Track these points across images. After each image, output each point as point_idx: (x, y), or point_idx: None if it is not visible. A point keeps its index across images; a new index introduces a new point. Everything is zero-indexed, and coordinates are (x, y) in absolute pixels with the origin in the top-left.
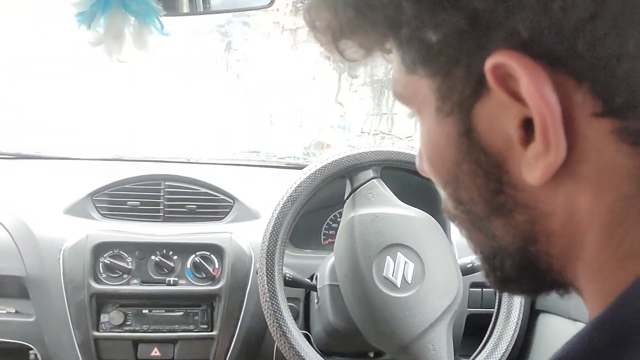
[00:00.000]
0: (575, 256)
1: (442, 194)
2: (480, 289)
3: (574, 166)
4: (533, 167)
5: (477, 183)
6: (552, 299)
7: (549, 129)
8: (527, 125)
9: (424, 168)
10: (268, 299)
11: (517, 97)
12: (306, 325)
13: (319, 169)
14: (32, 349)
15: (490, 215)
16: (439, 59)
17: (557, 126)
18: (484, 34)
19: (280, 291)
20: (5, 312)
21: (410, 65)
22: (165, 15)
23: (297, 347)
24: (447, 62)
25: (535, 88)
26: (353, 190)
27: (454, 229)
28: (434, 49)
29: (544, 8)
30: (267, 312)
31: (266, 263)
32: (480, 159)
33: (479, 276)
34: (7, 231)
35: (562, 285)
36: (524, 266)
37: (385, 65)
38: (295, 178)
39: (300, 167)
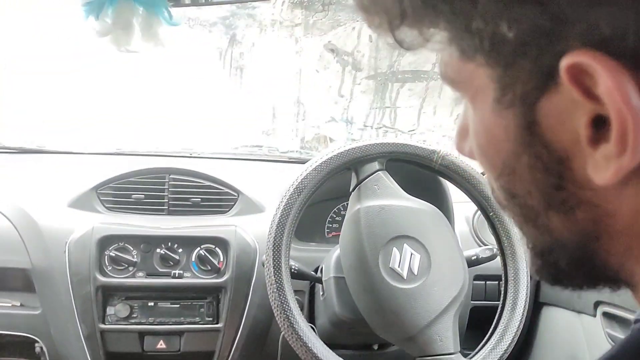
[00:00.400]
0: (637, 254)
1: (492, 184)
2: (484, 282)
3: None
4: (603, 168)
5: (536, 177)
6: (555, 291)
7: (628, 133)
8: (598, 124)
9: (465, 149)
10: (275, 290)
11: (590, 95)
12: (311, 318)
13: (325, 161)
14: (37, 342)
15: (549, 210)
16: (505, 49)
17: (638, 130)
18: (560, 29)
19: (287, 283)
20: (10, 305)
21: (468, 52)
22: (171, 7)
23: (304, 338)
24: (513, 54)
25: (618, 91)
26: (359, 182)
27: (458, 222)
28: (502, 40)
29: (632, 4)
30: (274, 304)
31: (273, 255)
32: (541, 153)
33: (482, 268)
34: (12, 224)
35: (616, 281)
36: (581, 262)
37: (389, 59)
38: (302, 170)
39: (302, 162)
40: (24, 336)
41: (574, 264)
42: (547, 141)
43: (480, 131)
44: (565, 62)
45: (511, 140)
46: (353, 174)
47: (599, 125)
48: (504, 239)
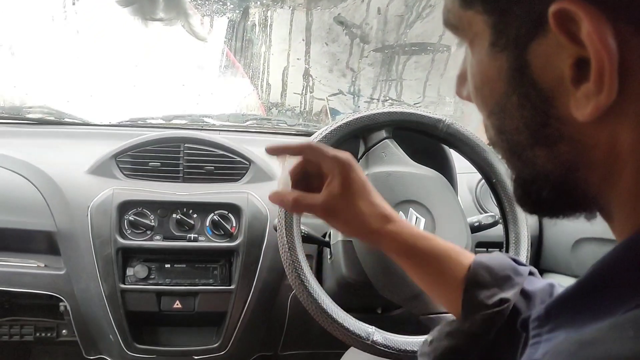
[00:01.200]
0: (612, 184)
1: (485, 122)
2: (485, 249)
3: (621, 105)
4: (583, 105)
5: (524, 115)
6: (555, 258)
7: (605, 73)
8: (580, 66)
9: (463, 93)
10: (287, 250)
11: (574, 39)
12: (319, 282)
13: (334, 129)
14: (62, 300)
15: (535, 145)
16: None
17: (613, 70)
18: None
19: (298, 243)
20: (36, 265)
21: (468, 0)
22: None
23: (314, 295)
24: (507, 2)
25: (597, 35)
26: (367, 150)
27: (462, 191)
28: None
29: None
30: (286, 263)
31: (285, 218)
32: (529, 92)
33: (485, 236)
34: (38, 190)
35: (591, 209)
36: (561, 192)
37: (397, 31)
38: (311, 138)
39: (309, 134)
40: (48, 295)
41: (555, 193)
42: (535, 81)
43: (476, 73)
44: (552, 9)
45: (503, 81)
46: (361, 142)
47: (582, 67)
48: (506, 204)
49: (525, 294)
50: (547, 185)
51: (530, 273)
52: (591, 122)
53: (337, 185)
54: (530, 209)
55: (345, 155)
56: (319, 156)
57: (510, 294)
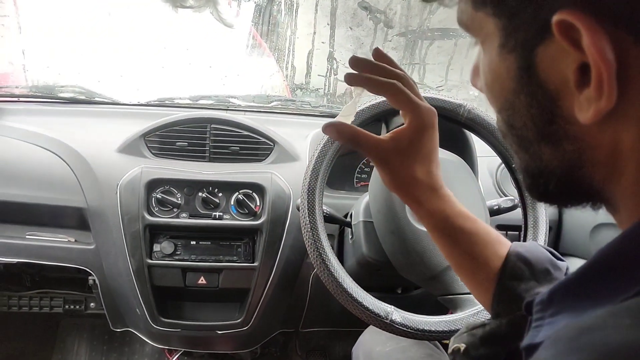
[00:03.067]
0: (615, 181)
1: (497, 116)
2: (505, 232)
3: (623, 108)
4: (585, 109)
5: (532, 112)
6: (574, 242)
7: (603, 81)
8: (584, 70)
9: (477, 84)
10: (309, 229)
11: (577, 46)
12: (339, 261)
13: (358, 112)
14: (91, 274)
15: (541, 141)
16: (509, 2)
17: (611, 79)
18: None
19: (320, 223)
20: (67, 240)
21: (480, 3)
22: None
23: (335, 274)
24: (516, 6)
25: (594, 46)
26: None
27: (482, 175)
28: None
29: None
30: (308, 242)
31: (307, 198)
32: (536, 92)
33: (504, 219)
34: (69, 166)
35: (596, 201)
36: (567, 186)
37: (420, 16)
38: (334, 120)
39: (332, 115)
40: (78, 269)
41: (561, 187)
42: (541, 82)
43: (487, 71)
44: (555, 19)
45: (512, 80)
46: (383, 125)
47: (585, 72)
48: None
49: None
50: (553, 179)
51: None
52: (593, 123)
53: (408, 136)
54: (538, 197)
55: (434, 111)
56: (403, 100)
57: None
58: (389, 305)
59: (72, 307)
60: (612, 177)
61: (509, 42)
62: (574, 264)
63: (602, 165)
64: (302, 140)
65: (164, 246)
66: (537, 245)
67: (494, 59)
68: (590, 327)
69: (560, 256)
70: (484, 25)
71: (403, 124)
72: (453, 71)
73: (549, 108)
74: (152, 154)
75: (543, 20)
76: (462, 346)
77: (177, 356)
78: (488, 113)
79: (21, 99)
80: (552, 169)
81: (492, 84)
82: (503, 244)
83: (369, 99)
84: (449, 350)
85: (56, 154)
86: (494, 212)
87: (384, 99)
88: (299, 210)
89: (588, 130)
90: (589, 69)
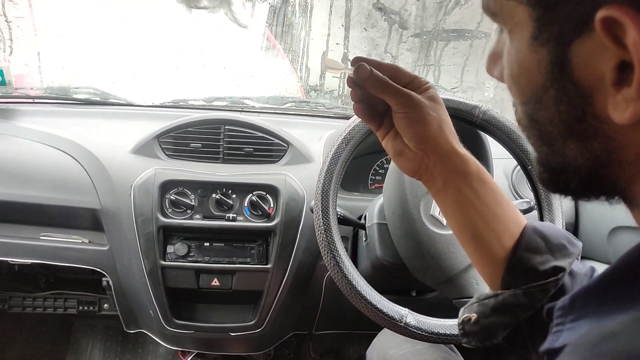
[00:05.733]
0: None
1: (517, 107)
2: None
3: None
4: (622, 109)
5: (560, 109)
6: (591, 246)
7: None
8: (622, 69)
9: (494, 72)
10: (323, 231)
11: (619, 42)
12: (354, 263)
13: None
14: (105, 275)
15: (567, 138)
16: None
17: None
18: None
19: (334, 225)
20: (80, 241)
21: None
22: None
23: (349, 277)
24: None
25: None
26: None
27: (498, 176)
28: None
29: None
30: (322, 244)
31: (321, 200)
32: (568, 88)
33: None
34: (83, 168)
35: (615, 198)
36: (590, 184)
37: (435, 17)
38: (349, 122)
39: (347, 117)
40: (92, 270)
41: (584, 185)
42: (575, 78)
43: (514, 62)
44: (600, 14)
45: (542, 73)
46: None
47: (624, 70)
48: (541, 191)
49: (571, 273)
50: (576, 177)
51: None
52: (629, 124)
53: (427, 92)
54: (555, 191)
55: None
56: (407, 73)
57: (565, 262)
58: (403, 308)
59: (85, 308)
60: (637, 177)
61: (542, 34)
62: (557, 232)
63: (631, 165)
64: (316, 141)
65: (177, 247)
66: (553, 224)
67: (523, 50)
68: (613, 334)
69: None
70: (515, 14)
71: None
72: (468, 72)
73: (580, 105)
74: (166, 155)
75: (583, 14)
76: (474, 316)
77: (190, 358)
78: (504, 115)
79: (36, 100)
80: (576, 166)
81: (519, 76)
82: (520, 218)
83: None
84: (459, 320)
85: (70, 155)
86: None
87: None
88: (312, 212)
89: (620, 130)
90: (628, 67)
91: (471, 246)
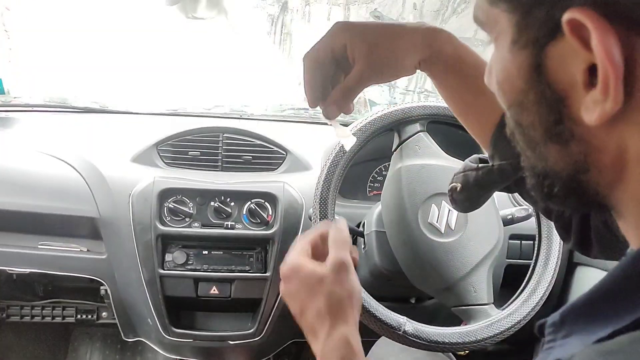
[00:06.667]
0: (622, 187)
1: (506, 113)
2: (519, 241)
3: (629, 113)
4: (591, 111)
5: (540, 112)
6: None
7: (609, 83)
8: (592, 72)
9: (493, 84)
10: None
11: (587, 46)
12: None
13: (370, 122)
14: (103, 284)
15: (547, 141)
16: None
17: (617, 81)
18: None
19: None
20: (79, 250)
21: None
22: None
23: None
24: (530, 4)
25: (602, 46)
26: (401, 143)
27: None
28: None
29: None
30: None
31: (319, 208)
32: (545, 91)
33: (518, 228)
34: (82, 176)
35: (602, 207)
36: (573, 190)
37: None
38: (347, 130)
39: (346, 124)
40: (90, 279)
41: (566, 191)
42: (550, 81)
43: (499, 68)
44: (565, 17)
45: (522, 78)
46: (395, 135)
47: (594, 73)
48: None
49: None
50: (558, 182)
51: None
52: (600, 126)
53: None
54: (542, 199)
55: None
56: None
57: None
58: (402, 317)
59: (84, 316)
60: (618, 182)
61: (521, 39)
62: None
63: (608, 170)
64: (315, 149)
65: (176, 256)
66: None
67: (505, 57)
68: (612, 351)
69: None
70: (498, 21)
71: (417, 132)
72: None
73: (557, 108)
74: (165, 163)
75: (555, 18)
76: (458, 185)
77: None
78: None
79: (35, 109)
80: (557, 171)
81: (503, 81)
82: None
83: (380, 109)
84: (448, 189)
85: (69, 164)
86: (507, 221)
87: (395, 108)
88: (311, 219)
89: (595, 132)
90: (596, 70)
91: (462, 118)
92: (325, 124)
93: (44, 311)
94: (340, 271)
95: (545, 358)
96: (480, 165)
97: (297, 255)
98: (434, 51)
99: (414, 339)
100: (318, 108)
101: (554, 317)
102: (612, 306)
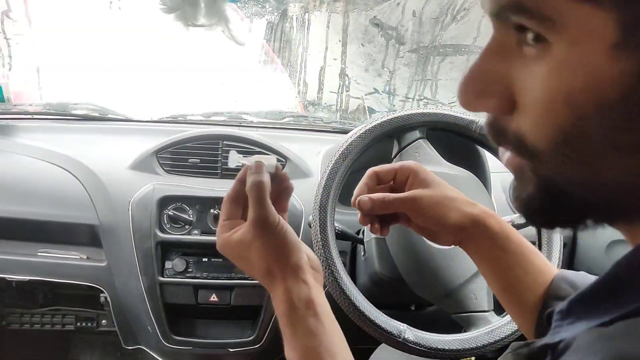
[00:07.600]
0: None
1: (541, 145)
2: None
3: None
4: None
5: (623, 124)
6: (589, 260)
7: None
8: None
9: (488, 105)
10: (321, 247)
11: None
12: (352, 278)
13: (369, 129)
14: (102, 292)
15: (613, 150)
16: None
17: None
18: None
19: (332, 240)
20: (78, 257)
21: None
22: None
23: (347, 292)
24: None
25: None
26: (400, 150)
27: (495, 191)
28: None
29: None
30: (320, 260)
31: (319, 215)
32: None
33: None
34: (82, 184)
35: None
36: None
37: (432, 33)
38: (347, 137)
39: (345, 131)
40: (90, 286)
41: (585, 206)
42: None
43: (573, 77)
44: None
45: (621, 84)
46: (395, 142)
47: None
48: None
49: (573, 285)
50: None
51: None
52: None
53: (418, 180)
54: (543, 222)
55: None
56: (388, 171)
57: None
58: (402, 324)
59: (84, 324)
60: None
61: (631, 40)
62: (590, 281)
63: None
64: (314, 156)
65: (175, 263)
66: (585, 273)
67: (595, 62)
68: (611, 336)
69: None
70: (583, 20)
71: (416, 139)
72: None
73: None
74: (164, 170)
75: None
76: None
77: None
78: None
79: (35, 117)
80: (602, 183)
81: (581, 91)
82: (549, 268)
83: (379, 116)
84: None
85: (69, 171)
86: None
87: (395, 115)
88: (310, 227)
89: None
90: None
91: (504, 298)
92: (325, 130)
93: (43, 319)
94: (257, 229)
95: (551, 339)
96: (531, 340)
97: (218, 234)
98: (480, 225)
99: (414, 346)
100: (316, 114)
101: (562, 305)
102: (616, 294)
